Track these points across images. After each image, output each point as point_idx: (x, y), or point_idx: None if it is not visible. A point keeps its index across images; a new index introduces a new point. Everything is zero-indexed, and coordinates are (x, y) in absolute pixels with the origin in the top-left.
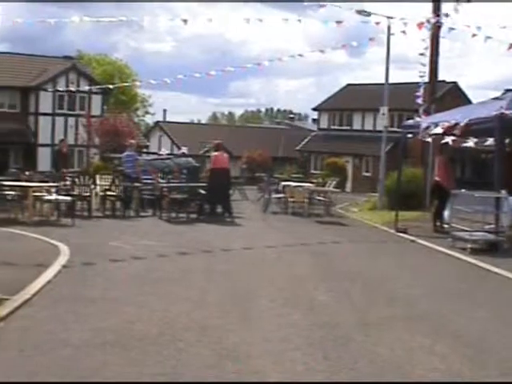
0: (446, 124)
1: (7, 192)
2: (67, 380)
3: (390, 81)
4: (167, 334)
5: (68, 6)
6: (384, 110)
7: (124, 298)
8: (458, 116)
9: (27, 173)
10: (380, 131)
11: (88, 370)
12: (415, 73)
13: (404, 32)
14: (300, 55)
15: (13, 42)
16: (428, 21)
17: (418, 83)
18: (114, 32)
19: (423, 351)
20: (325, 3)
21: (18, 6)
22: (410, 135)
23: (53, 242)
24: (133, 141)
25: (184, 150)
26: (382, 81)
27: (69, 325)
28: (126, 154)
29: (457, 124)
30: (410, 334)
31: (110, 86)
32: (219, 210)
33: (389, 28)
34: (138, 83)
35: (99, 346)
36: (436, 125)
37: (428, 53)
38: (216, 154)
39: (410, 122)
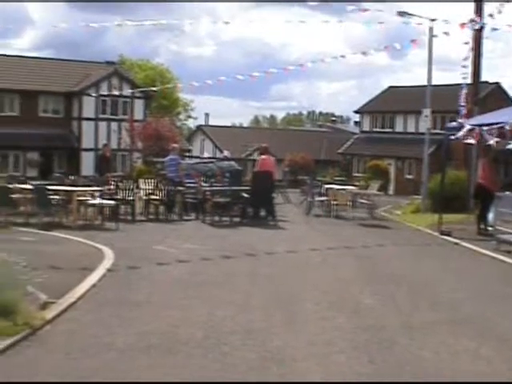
0: (495, 129)
1: (52, 196)
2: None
3: (433, 82)
4: (212, 338)
5: (110, 11)
6: (427, 112)
7: (168, 301)
8: (504, 118)
9: (71, 177)
10: (422, 133)
11: (133, 374)
12: (458, 74)
13: (446, 33)
14: (342, 56)
15: (56, 48)
16: (471, 21)
17: (460, 85)
18: (156, 37)
19: (468, 355)
20: (367, 7)
21: (61, 12)
22: (453, 137)
23: (97, 245)
24: (176, 145)
25: (226, 153)
26: (424, 83)
27: (113, 328)
28: (169, 157)
29: (502, 127)
30: (455, 337)
31: (154, 88)
32: (262, 213)
33: (431, 29)
34: (180, 85)
35: (144, 349)
36: (480, 126)
37: (471, 54)
38: (263, 157)
39: (453, 123)
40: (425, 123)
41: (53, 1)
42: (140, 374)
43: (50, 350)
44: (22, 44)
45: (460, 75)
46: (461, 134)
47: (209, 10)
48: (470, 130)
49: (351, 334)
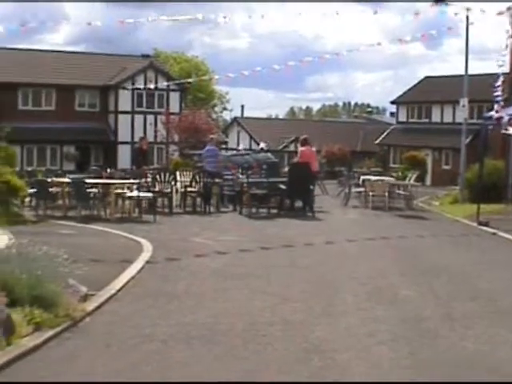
0: None
1: (89, 190)
2: (156, 373)
3: (469, 72)
4: (252, 329)
5: (144, 6)
6: (464, 101)
7: (207, 292)
8: None
9: (108, 170)
10: (459, 123)
11: (175, 365)
12: (494, 63)
13: (483, 21)
14: (378, 44)
15: (92, 43)
16: (508, 9)
17: (497, 74)
18: (190, 30)
19: (509, 346)
20: None
21: (96, 8)
22: (490, 127)
23: (135, 238)
24: (213, 135)
25: (262, 145)
26: (461, 72)
27: (154, 320)
28: (206, 148)
29: None
30: (495, 328)
31: (189, 80)
32: (300, 204)
33: (467, 18)
34: (216, 76)
35: (185, 340)
36: None
37: (509, 42)
38: (302, 148)
39: (491, 113)
40: (462, 113)
41: (88, 1)
42: (181, 365)
43: (90, 342)
44: (57, 39)
45: (497, 64)
46: (504, 121)
47: (244, 2)
48: (510, 120)
49: (391, 326)
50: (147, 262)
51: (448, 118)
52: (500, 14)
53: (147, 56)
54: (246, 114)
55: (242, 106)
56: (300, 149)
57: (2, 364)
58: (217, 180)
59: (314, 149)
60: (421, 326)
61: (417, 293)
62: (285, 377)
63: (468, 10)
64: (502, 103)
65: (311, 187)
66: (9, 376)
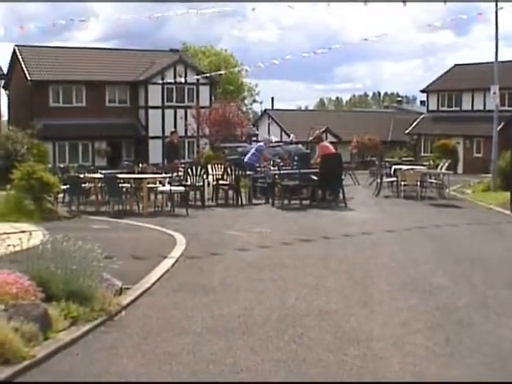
0: None
1: (122, 184)
2: (193, 364)
3: (499, 59)
4: (287, 320)
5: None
6: (495, 88)
7: (242, 284)
8: None
9: (140, 165)
10: (490, 111)
11: (212, 357)
12: None
13: None
14: (407, 31)
15: (121, 39)
16: None
17: None
18: (218, 23)
19: None
20: None
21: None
22: None
23: (169, 231)
24: (268, 136)
25: (292, 136)
26: (490, 59)
27: (189, 312)
28: (258, 144)
29: None
30: None
31: (220, 72)
32: (331, 195)
33: (496, 3)
34: (247, 68)
35: (221, 332)
36: None
37: None
38: (322, 144)
39: None
40: (493, 100)
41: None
42: (216, 357)
43: (127, 335)
44: (87, 37)
45: None
46: None
47: None
48: None
49: (426, 314)
50: (181, 256)
51: (479, 106)
52: None
53: (176, 50)
54: (275, 106)
55: (272, 98)
56: (319, 145)
57: (40, 358)
58: (248, 172)
59: (326, 143)
60: (456, 315)
61: (452, 281)
62: (321, 369)
63: None
64: None
65: (342, 178)
66: (47, 370)
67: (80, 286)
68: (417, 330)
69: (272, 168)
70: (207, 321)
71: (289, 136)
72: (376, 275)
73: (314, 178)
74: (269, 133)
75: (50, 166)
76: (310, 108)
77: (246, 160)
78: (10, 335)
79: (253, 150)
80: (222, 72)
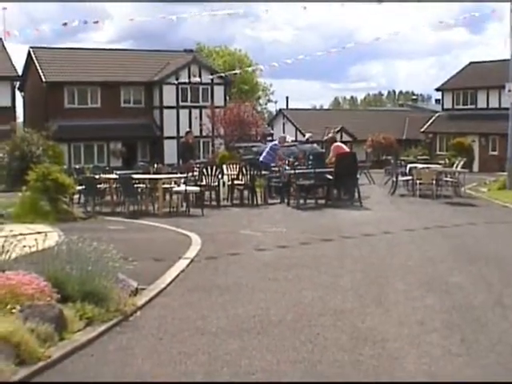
0: None
1: (137, 185)
2: (208, 364)
3: None
4: (303, 320)
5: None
6: (510, 86)
7: (258, 284)
8: None
9: (156, 166)
10: (506, 108)
11: (226, 357)
12: None
13: None
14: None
15: (135, 40)
16: None
17: None
18: (232, 23)
19: None
20: None
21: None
22: None
23: (184, 232)
24: (284, 135)
25: (308, 136)
26: (506, 57)
27: (204, 312)
28: (273, 143)
29: None
30: None
31: (234, 72)
32: (347, 194)
33: (511, 1)
34: (261, 67)
35: (236, 332)
36: None
37: None
38: (336, 144)
39: None
40: (509, 98)
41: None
42: (232, 357)
43: (142, 336)
44: (101, 38)
45: None
46: None
47: None
48: None
49: (442, 314)
50: (197, 256)
51: (494, 104)
52: None
53: (190, 51)
54: (290, 106)
55: (287, 98)
56: (333, 146)
57: (56, 359)
58: (264, 172)
59: (339, 143)
60: (472, 314)
61: (468, 280)
62: (336, 369)
63: None
64: None
65: (357, 177)
66: (62, 370)
67: (95, 287)
68: (433, 330)
69: (287, 167)
70: (222, 321)
71: (304, 135)
72: (392, 274)
73: (330, 177)
74: (283, 132)
75: (65, 167)
76: (325, 107)
77: (261, 159)
78: (25, 336)
79: (267, 149)
80: (237, 72)
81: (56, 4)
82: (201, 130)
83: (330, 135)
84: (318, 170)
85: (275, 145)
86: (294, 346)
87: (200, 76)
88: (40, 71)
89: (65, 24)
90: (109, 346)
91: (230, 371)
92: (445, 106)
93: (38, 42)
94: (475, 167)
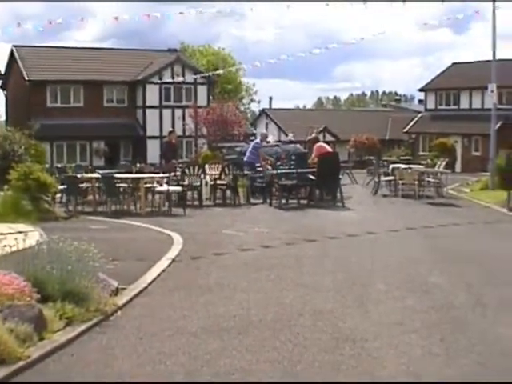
0: None
1: (119, 184)
2: (188, 365)
3: (497, 57)
4: (283, 320)
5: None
6: (493, 87)
7: (239, 284)
8: None
9: (138, 165)
10: (488, 109)
11: (207, 357)
12: None
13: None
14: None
15: (119, 39)
16: None
17: None
18: (216, 23)
19: None
20: None
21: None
22: None
23: (166, 231)
24: (265, 132)
25: (290, 136)
26: (488, 58)
27: (185, 312)
28: (255, 141)
29: None
30: None
31: (217, 72)
32: (329, 195)
33: (493, 1)
34: (244, 66)
35: (216, 332)
36: None
37: None
38: (318, 144)
39: None
40: (491, 98)
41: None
42: (213, 357)
43: (122, 336)
44: (85, 36)
45: None
46: None
47: None
48: None
49: (422, 314)
50: (178, 255)
51: (477, 104)
52: None
53: (174, 50)
54: (273, 106)
55: (270, 98)
56: (315, 146)
57: (35, 359)
58: (246, 172)
59: (322, 143)
60: (451, 314)
61: (448, 281)
62: (316, 369)
63: None
64: None
65: (340, 177)
66: (42, 370)
67: (76, 287)
68: (412, 330)
69: (269, 168)
70: (203, 321)
71: (287, 135)
72: (373, 275)
73: (312, 177)
74: (267, 132)
75: (47, 166)
76: (309, 107)
77: (245, 159)
78: (4, 336)
79: (250, 149)
80: (220, 71)
81: (40, 3)
82: (184, 130)
83: (313, 135)
84: (300, 170)
85: (257, 143)
86: (275, 345)
87: (183, 76)
88: (22, 70)
89: (50, 22)
90: (89, 345)
91: (210, 371)
92: (428, 107)
93: (21, 41)
94: (458, 168)
